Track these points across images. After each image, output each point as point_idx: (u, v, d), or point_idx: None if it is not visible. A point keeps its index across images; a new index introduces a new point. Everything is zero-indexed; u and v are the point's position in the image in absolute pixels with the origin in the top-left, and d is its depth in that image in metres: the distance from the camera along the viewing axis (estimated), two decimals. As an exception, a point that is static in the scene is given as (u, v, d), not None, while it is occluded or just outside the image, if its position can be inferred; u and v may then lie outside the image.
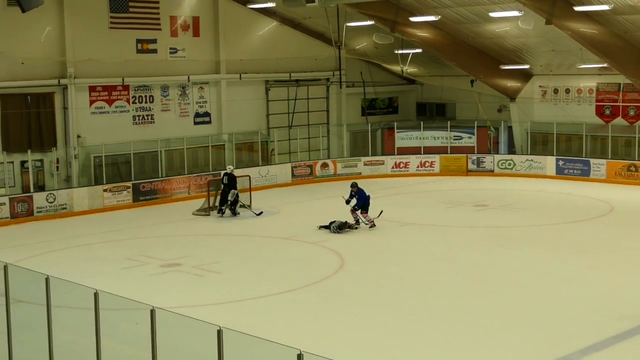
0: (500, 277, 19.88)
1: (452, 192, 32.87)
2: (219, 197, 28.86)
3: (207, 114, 35.18)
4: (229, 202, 28.26)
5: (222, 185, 28.56)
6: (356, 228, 25.28)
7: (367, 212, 25.50)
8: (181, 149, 33.42)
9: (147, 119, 33.30)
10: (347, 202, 25.74)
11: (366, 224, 25.41)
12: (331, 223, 25.14)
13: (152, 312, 10.89)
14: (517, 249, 22.72)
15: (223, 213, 28.30)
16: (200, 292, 18.92)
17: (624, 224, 26.04)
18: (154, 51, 33.17)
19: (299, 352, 9.20)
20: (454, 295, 18.38)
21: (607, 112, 36.02)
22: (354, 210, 25.52)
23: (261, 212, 28.42)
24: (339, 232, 24.74)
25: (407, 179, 36.33)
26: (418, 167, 37.45)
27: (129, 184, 30.80)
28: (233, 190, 28.32)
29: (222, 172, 29.38)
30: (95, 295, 11.82)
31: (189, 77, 34.27)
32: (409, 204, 30.53)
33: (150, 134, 33.11)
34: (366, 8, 32.94)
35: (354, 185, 26.00)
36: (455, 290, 18.75)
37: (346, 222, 25.19)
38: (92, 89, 31.84)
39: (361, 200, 25.45)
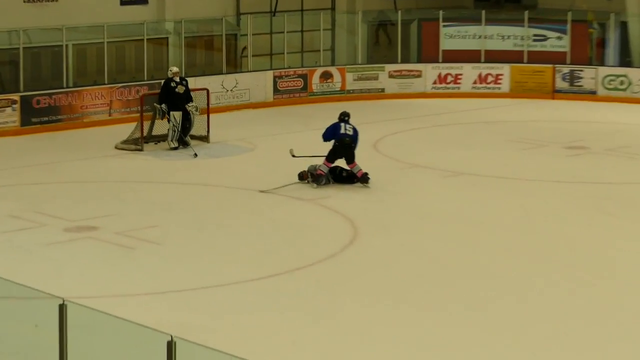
0: (609, 266, 19.89)
1: (530, 125, 33.22)
2: (158, 122, 28.79)
3: (141, -11, 35.05)
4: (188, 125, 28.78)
5: (174, 98, 28.53)
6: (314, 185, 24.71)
7: (352, 163, 24.63)
8: (100, 42, 33.18)
9: (47, -6, 33.11)
10: None
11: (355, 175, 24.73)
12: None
13: (62, 307, 10.71)
14: (635, 220, 22.80)
15: (186, 145, 28.66)
16: (128, 274, 18.88)
17: None
18: None
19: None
20: (529, 291, 18.35)
21: None
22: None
23: (195, 155, 28.38)
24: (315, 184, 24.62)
25: (457, 102, 36.54)
26: (475, 83, 37.58)
27: (16, 96, 30.83)
28: (193, 105, 28.60)
29: (169, 78, 29.07)
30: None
31: None
32: (460, 143, 30.75)
33: (51, 19, 32.86)
34: None
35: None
36: (534, 283, 18.74)
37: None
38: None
39: (325, 137, 24.81)
